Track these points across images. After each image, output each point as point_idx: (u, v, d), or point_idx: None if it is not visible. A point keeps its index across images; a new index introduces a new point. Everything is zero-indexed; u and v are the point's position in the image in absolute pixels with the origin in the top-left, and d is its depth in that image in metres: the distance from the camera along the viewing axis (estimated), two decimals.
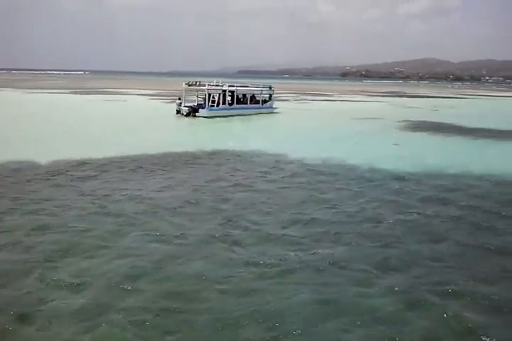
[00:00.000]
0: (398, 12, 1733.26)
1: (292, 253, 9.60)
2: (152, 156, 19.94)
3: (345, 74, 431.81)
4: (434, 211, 12.96)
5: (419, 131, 33.48)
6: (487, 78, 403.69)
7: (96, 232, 10.43)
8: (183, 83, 39.71)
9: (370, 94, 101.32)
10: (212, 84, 38.96)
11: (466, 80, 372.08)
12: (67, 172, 16.34)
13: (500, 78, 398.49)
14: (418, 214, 12.68)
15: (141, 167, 17.68)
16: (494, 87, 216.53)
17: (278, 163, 19.47)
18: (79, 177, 15.63)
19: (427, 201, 14.03)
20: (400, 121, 39.19)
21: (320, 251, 9.81)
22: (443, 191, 15.40)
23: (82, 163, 17.95)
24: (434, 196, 14.61)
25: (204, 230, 10.83)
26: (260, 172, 17.50)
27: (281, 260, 9.25)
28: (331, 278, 8.58)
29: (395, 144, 26.50)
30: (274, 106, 45.33)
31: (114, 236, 10.25)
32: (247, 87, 43.55)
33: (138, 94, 70.37)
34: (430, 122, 39.85)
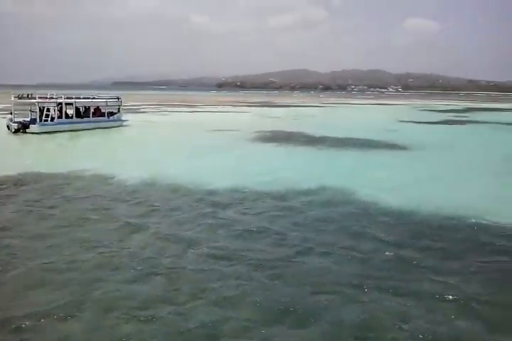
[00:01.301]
0: (269, 24, 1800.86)
1: None
2: None
3: (221, 85, 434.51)
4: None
5: (270, 141, 32.53)
6: (353, 87, 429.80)
7: None
8: (12, 96, 35.22)
9: (240, 104, 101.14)
10: (44, 96, 34.99)
11: (335, 89, 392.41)
12: None
13: (365, 87, 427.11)
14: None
15: None
16: (358, 96, 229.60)
17: (89, 187, 16.61)
18: None
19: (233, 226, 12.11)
20: (255, 132, 38.04)
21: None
22: (269, 210, 13.84)
23: None
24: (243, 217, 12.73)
25: None
26: (54, 200, 14.55)
27: None
28: None
29: (238, 158, 24.96)
30: (123, 118, 42.14)
31: None
32: (90, 98, 39.97)
33: None
34: (284, 132, 39.23)
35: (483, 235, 12.10)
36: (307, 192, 16.50)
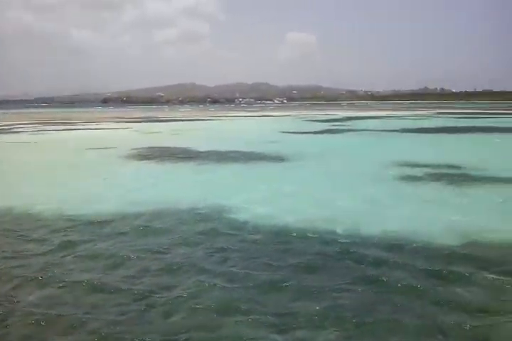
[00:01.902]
0: (154, 38, 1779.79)
1: None
2: None
3: (106, 101, 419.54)
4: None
5: (146, 159, 30.79)
6: (240, 100, 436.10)
7: None
8: None
9: (123, 120, 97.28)
10: None
11: (223, 102, 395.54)
12: None
13: (252, 99, 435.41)
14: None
15: None
16: (246, 108, 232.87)
17: None
18: None
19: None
20: (133, 149, 36.06)
21: None
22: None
23: None
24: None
25: None
26: None
27: None
28: None
29: (104, 180, 23.00)
30: None
31: None
32: None
33: None
34: (164, 148, 37.59)
35: (347, 258, 11.17)
36: (175, 218, 14.88)
